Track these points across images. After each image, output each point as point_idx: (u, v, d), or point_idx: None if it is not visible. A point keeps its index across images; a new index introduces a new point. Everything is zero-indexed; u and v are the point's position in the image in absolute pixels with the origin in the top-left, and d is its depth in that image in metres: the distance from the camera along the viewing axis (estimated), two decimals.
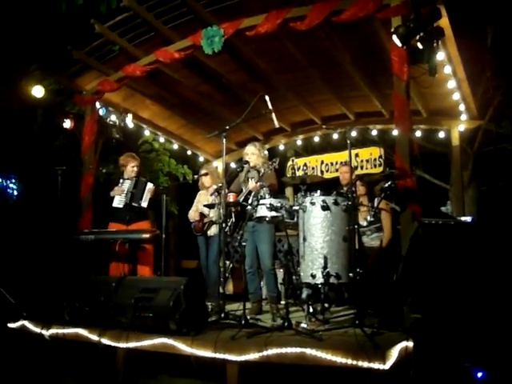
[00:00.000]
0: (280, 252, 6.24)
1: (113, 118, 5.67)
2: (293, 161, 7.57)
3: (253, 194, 4.24)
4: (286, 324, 3.36)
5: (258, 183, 4.17)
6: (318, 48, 5.12)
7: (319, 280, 3.39)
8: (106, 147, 6.70)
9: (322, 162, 7.66)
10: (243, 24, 4.50)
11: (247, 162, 4.47)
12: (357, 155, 7.22)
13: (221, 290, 3.95)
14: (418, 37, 3.54)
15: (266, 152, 4.63)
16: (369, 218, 4.63)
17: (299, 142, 7.93)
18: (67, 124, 5.73)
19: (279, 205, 3.69)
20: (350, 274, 3.42)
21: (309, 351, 2.82)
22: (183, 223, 5.95)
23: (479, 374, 2.68)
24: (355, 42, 4.96)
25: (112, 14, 5.21)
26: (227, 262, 4.42)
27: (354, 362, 2.70)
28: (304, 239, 3.55)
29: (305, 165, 7.78)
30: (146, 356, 3.38)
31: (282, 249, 6.31)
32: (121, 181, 5.00)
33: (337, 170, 7.20)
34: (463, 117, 6.29)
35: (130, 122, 5.93)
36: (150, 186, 5.02)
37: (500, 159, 8.68)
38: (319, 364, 2.78)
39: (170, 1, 4.68)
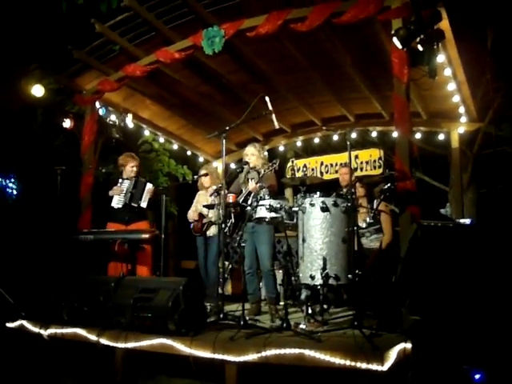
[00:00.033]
0: (279, 253, 6.24)
1: (113, 117, 5.68)
2: (292, 162, 7.57)
3: (252, 194, 4.25)
4: (284, 325, 3.36)
5: (258, 184, 4.17)
6: (318, 49, 5.13)
7: (318, 281, 3.39)
8: (106, 147, 6.69)
9: (322, 164, 7.66)
10: (244, 25, 4.50)
11: (247, 163, 4.47)
12: (356, 157, 7.23)
13: (220, 291, 3.95)
14: (418, 39, 3.55)
15: (266, 153, 4.64)
16: (368, 219, 4.64)
17: (299, 143, 7.93)
18: (67, 123, 5.73)
19: (279, 206, 3.69)
20: (349, 276, 3.42)
21: (307, 352, 2.82)
22: (183, 223, 5.96)
23: (477, 376, 2.68)
24: (356, 43, 4.97)
25: (112, 13, 5.21)
26: (226, 263, 4.42)
27: (353, 364, 2.70)
28: (303, 240, 3.55)
29: (304, 166, 7.79)
30: (144, 356, 3.38)
31: (281, 250, 6.32)
32: (120, 180, 5.00)
33: (336, 172, 7.20)
34: (463, 119, 6.31)
35: (129, 121, 5.94)
36: (149, 186, 5.02)
37: (499, 162, 8.68)
38: (318, 365, 2.79)
39: (170, 1, 4.69)
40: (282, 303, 4.55)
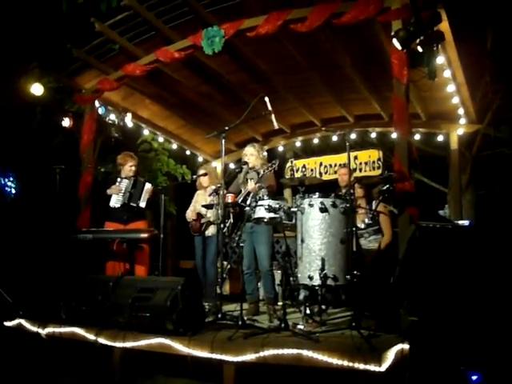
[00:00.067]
0: (278, 253, 6.24)
1: (112, 116, 5.67)
2: (292, 162, 7.54)
3: (251, 195, 4.25)
4: (282, 325, 3.36)
5: (257, 184, 4.18)
6: (318, 50, 5.13)
7: (316, 282, 3.40)
8: (105, 146, 6.69)
9: (321, 164, 7.66)
10: (244, 25, 4.50)
11: (246, 163, 4.47)
12: (356, 157, 7.23)
13: (218, 291, 3.95)
14: (418, 40, 3.55)
15: (265, 153, 4.64)
16: (367, 220, 4.65)
17: (298, 144, 7.93)
18: (66, 122, 5.72)
19: (277, 206, 3.69)
20: (348, 276, 3.42)
21: (305, 353, 2.82)
22: (181, 223, 5.96)
23: (474, 377, 2.68)
24: (355, 44, 4.98)
25: (112, 12, 5.21)
26: (225, 263, 4.42)
27: (351, 364, 2.71)
28: (302, 241, 3.55)
29: (303, 166, 7.79)
30: (142, 356, 3.38)
31: (279, 250, 6.32)
32: (118, 180, 4.99)
33: (335, 172, 7.20)
34: (462, 121, 6.32)
35: (129, 121, 5.93)
36: (148, 186, 5.02)
37: (498, 163, 8.70)
38: (315, 365, 2.79)
39: (170, 0, 4.68)
40: (280, 303, 4.54)
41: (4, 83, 7.08)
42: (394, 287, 3.32)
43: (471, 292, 2.91)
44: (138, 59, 5.20)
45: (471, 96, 5.77)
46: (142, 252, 4.77)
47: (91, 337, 3.48)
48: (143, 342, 3.30)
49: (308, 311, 3.59)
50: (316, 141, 7.72)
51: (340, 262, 3.45)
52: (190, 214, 5.20)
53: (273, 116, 4.14)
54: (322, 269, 3.36)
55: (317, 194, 3.62)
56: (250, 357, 2.93)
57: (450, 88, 5.35)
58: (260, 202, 3.75)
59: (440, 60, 4.48)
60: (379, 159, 7.12)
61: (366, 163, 7.22)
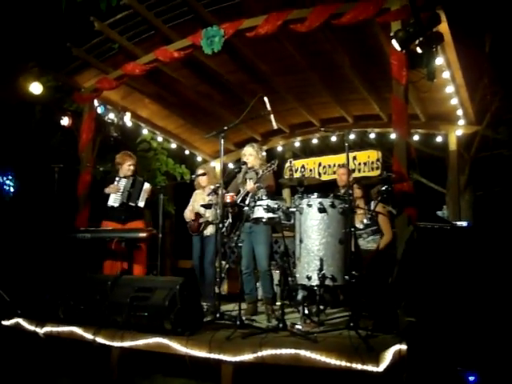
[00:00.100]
0: (276, 253, 6.24)
1: (111, 116, 5.66)
2: (290, 162, 7.56)
3: (250, 195, 4.25)
4: (281, 325, 3.36)
5: (256, 184, 4.18)
6: (317, 50, 5.14)
7: (315, 282, 3.40)
8: (104, 145, 6.68)
9: (320, 164, 7.67)
10: (243, 25, 4.51)
11: (245, 163, 4.47)
12: (355, 158, 7.24)
13: (216, 291, 3.95)
14: (417, 41, 3.56)
15: (264, 153, 4.64)
16: (365, 220, 4.65)
17: (297, 144, 7.94)
18: (65, 121, 5.72)
19: (276, 206, 3.70)
20: (346, 277, 3.43)
21: (303, 353, 2.82)
22: (180, 223, 5.95)
23: (471, 378, 2.69)
24: (355, 45, 4.98)
25: (112, 11, 5.20)
26: (223, 263, 4.42)
27: (348, 364, 2.71)
28: (300, 241, 3.56)
29: (302, 167, 7.79)
30: (140, 355, 3.38)
31: (278, 250, 6.32)
32: (117, 179, 4.99)
33: (334, 173, 7.20)
34: (461, 122, 6.33)
35: (128, 120, 5.93)
36: (147, 185, 5.02)
37: (496, 165, 8.73)
38: (313, 365, 2.79)
39: (170, 0, 4.69)
40: (278, 303, 4.55)
41: (3, 82, 7.07)
42: (391, 288, 3.33)
43: (469, 293, 2.92)
44: (137, 58, 5.20)
45: (470, 97, 5.78)
46: (139, 251, 4.77)
47: (89, 336, 3.48)
48: (141, 342, 3.29)
49: (306, 311, 3.59)
50: (315, 141, 7.73)
51: (338, 262, 3.45)
52: (188, 214, 5.19)
53: (272, 116, 4.14)
54: (321, 269, 3.37)
55: (315, 194, 3.62)
56: (248, 357, 2.93)
57: (449, 89, 5.36)
58: (259, 202, 3.75)
59: (439, 61, 4.48)
60: (378, 160, 7.13)
61: (364, 164, 7.23)
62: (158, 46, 5.02)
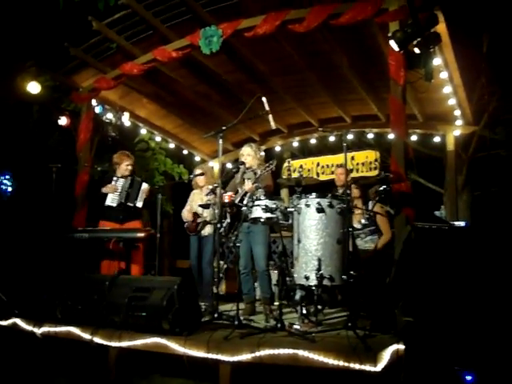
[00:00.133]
0: (274, 253, 6.24)
1: (109, 115, 5.65)
2: (289, 162, 7.59)
3: (248, 195, 4.25)
4: (279, 325, 3.36)
5: (254, 184, 4.18)
6: (315, 50, 5.15)
7: (313, 282, 3.40)
8: (102, 145, 6.67)
9: (318, 164, 7.68)
10: (242, 25, 4.51)
11: (243, 163, 4.47)
12: (353, 158, 7.25)
13: (214, 291, 3.95)
14: (415, 42, 3.57)
15: (263, 153, 4.63)
16: (363, 220, 4.66)
17: (295, 144, 7.95)
18: (63, 121, 5.70)
19: (274, 206, 3.70)
20: (344, 277, 3.43)
21: (301, 352, 2.83)
22: (178, 223, 5.95)
23: (468, 377, 2.70)
24: (353, 45, 4.99)
25: (110, 11, 5.20)
26: (221, 263, 4.42)
27: (346, 364, 2.71)
28: (298, 241, 3.56)
29: (301, 167, 7.79)
30: (138, 355, 3.37)
31: (276, 250, 6.32)
32: (114, 178, 4.98)
33: (332, 173, 7.22)
34: (458, 122, 6.34)
35: (126, 120, 5.91)
36: (145, 186, 5.01)
37: (494, 165, 8.76)
38: (311, 365, 2.79)
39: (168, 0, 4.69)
40: (276, 303, 4.55)
41: (1, 81, 7.05)
42: (389, 288, 3.33)
43: (466, 293, 2.93)
44: (135, 58, 5.19)
45: (468, 98, 5.80)
46: (137, 251, 4.77)
47: (87, 336, 3.47)
48: (139, 342, 3.29)
49: (304, 311, 3.60)
50: (313, 141, 7.73)
51: (336, 262, 3.45)
52: (186, 214, 5.19)
53: (270, 116, 4.14)
54: (319, 269, 3.37)
55: (313, 194, 3.62)
56: (246, 357, 2.93)
57: (447, 89, 5.37)
58: (257, 202, 3.75)
59: (437, 61, 4.49)
60: (376, 160, 7.14)
61: (363, 164, 7.24)
62: (156, 46, 5.01)
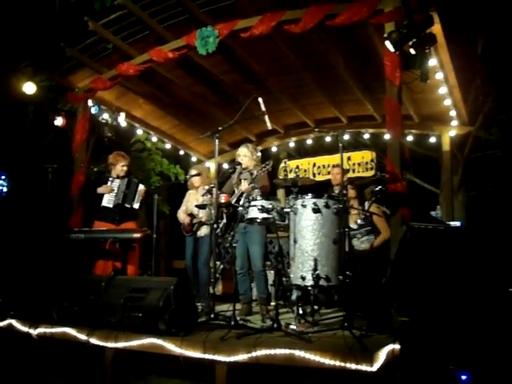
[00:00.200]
0: (271, 254, 6.25)
1: (105, 116, 5.64)
2: (285, 163, 7.55)
3: (244, 195, 4.25)
4: (275, 325, 3.37)
5: (251, 185, 4.18)
6: (312, 51, 5.16)
7: (309, 282, 3.41)
8: (98, 145, 6.66)
9: (314, 165, 7.69)
10: (238, 25, 4.51)
11: (239, 164, 4.47)
12: (349, 158, 7.26)
13: (211, 291, 3.94)
14: (410, 43, 3.58)
15: (259, 154, 4.65)
16: (359, 221, 4.67)
17: (292, 144, 7.95)
18: (59, 121, 5.69)
19: (270, 207, 3.70)
20: (340, 277, 3.44)
21: (297, 353, 2.83)
22: (174, 223, 5.95)
23: (464, 377, 2.72)
24: (349, 46, 5.00)
25: (106, 11, 5.19)
26: (218, 263, 4.42)
27: (342, 364, 2.72)
28: (295, 241, 3.56)
29: (297, 167, 7.78)
30: (134, 356, 3.37)
31: (272, 250, 6.33)
32: (110, 179, 4.97)
33: (329, 173, 7.23)
34: (454, 123, 6.37)
35: (122, 120, 5.91)
36: (141, 187, 5.01)
37: (489, 165, 8.80)
38: (308, 365, 2.80)
39: (164, 0, 4.68)
40: (272, 304, 4.56)
41: None
42: (385, 288, 3.35)
43: (462, 293, 2.95)
44: (131, 59, 5.18)
45: (463, 98, 5.83)
46: (132, 252, 4.76)
47: (83, 337, 3.46)
48: (135, 343, 3.29)
49: (300, 311, 3.60)
50: (309, 141, 7.75)
51: (332, 262, 3.46)
52: (181, 215, 5.18)
53: (266, 117, 4.15)
54: (315, 269, 3.38)
55: (310, 194, 3.63)
56: (242, 357, 2.93)
57: (442, 90, 5.39)
58: (253, 203, 3.75)
59: (432, 62, 4.51)
60: (372, 160, 7.16)
61: (359, 164, 7.26)
62: (152, 47, 5.00)
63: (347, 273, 3.45)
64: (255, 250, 4.31)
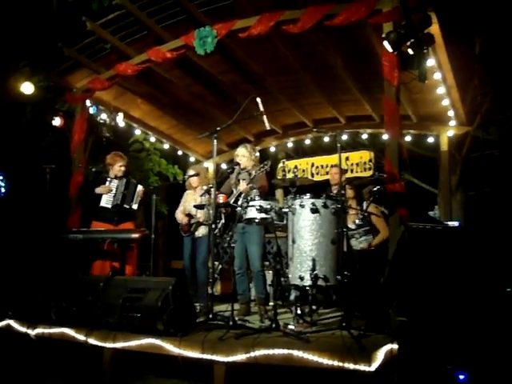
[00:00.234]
0: (269, 254, 6.25)
1: (103, 116, 5.63)
2: (283, 163, 7.60)
3: (243, 195, 4.25)
4: (273, 325, 3.36)
5: (249, 185, 4.18)
6: (310, 51, 5.16)
7: (307, 282, 3.41)
8: (96, 146, 6.65)
9: (313, 165, 7.69)
10: (236, 25, 4.51)
11: (238, 164, 4.47)
12: (347, 158, 7.27)
13: (209, 291, 3.94)
14: (408, 43, 3.59)
15: (258, 154, 4.64)
16: (357, 221, 4.68)
17: (290, 144, 7.96)
18: (57, 122, 5.67)
19: (269, 207, 3.70)
20: (338, 277, 3.44)
21: (296, 353, 2.83)
22: (173, 223, 5.94)
23: (461, 376, 2.72)
24: (347, 46, 5.01)
25: (104, 11, 5.19)
26: (216, 263, 4.42)
27: (341, 364, 2.72)
28: (293, 241, 3.57)
29: (295, 167, 7.75)
30: (133, 356, 3.37)
31: (271, 251, 6.32)
32: (108, 179, 4.97)
33: (327, 173, 7.23)
34: (452, 123, 6.38)
35: (120, 120, 5.90)
36: (140, 188, 5.01)
37: (487, 165, 8.83)
38: (306, 365, 2.80)
39: (162, 0, 4.68)
40: (271, 304, 4.56)
41: None
42: (383, 288, 3.35)
43: (460, 293, 2.95)
44: (129, 59, 5.18)
45: (461, 98, 5.83)
46: (130, 252, 4.76)
47: (81, 337, 3.46)
48: (134, 343, 3.28)
49: (299, 311, 3.60)
50: (308, 141, 7.75)
51: (331, 262, 3.46)
52: (179, 216, 5.17)
53: (264, 117, 4.14)
54: (313, 269, 3.38)
55: (308, 194, 3.63)
56: (240, 357, 2.93)
57: (440, 90, 5.40)
58: (251, 203, 3.75)
59: (430, 62, 4.52)
60: (370, 160, 7.17)
61: (357, 164, 7.26)
62: (150, 47, 5.00)
63: (345, 273, 3.45)
64: (254, 250, 4.31)
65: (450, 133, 6.60)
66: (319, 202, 3.53)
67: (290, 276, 3.60)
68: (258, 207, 3.68)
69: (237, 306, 4.26)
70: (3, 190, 9.57)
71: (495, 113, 8.22)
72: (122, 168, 5.02)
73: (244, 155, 4.49)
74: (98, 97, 5.82)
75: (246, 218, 3.81)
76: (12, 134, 8.03)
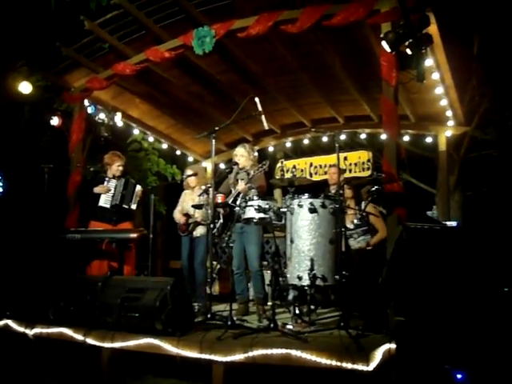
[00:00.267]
0: (267, 253, 6.25)
1: (101, 116, 5.62)
2: (282, 163, 7.61)
3: (241, 195, 4.25)
4: (272, 325, 3.37)
5: (247, 185, 4.18)
6: (308, 51, 5.16)
7: (305, 282, 3.41)
8: (95, 145, 6.64)
9: (311, 165, 7.69)
10: (234, 25, 4.51)
11: (236, 164, 4.47)
12: (346, 158, 7.27)
13: (207, 291, 3.94)
14: (407, 43, 3.60)
15: (256, 154, 4.64)
16: (356, 221, 4.68)
17: (288, 144, 7.96)
18: (55, 121, 5.66)
19: (267, 207, 3.70)
20: (336, 277, 3.45)
21: (294, 352, 2.84)
22: (171, 223, 5.94)
23: (459, 376, 2.73)
24: (346, 46, 5.01)
25: (102, 11, 5.18)
26: (214, 263, 4.42)
27: (339, 364, 2.73)
28: (291, 241, 3.57)
29: (294, 167, 7.81)
30: (131, 356, 3.37)
31: (269, 250, 6.33)
32: (106, 179, 4.96)
33: (325, 173, 7.24)
34: (450, 123, 6.39)
35: (118, 120, 5.89)
36: (138, 188, 5.01)
37: (485, 165, 8.85)
38: (304, 365, 2.80)
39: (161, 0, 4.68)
40: (269, 303, 4.56)
41: None
42: (381, 287, 3.35)
43: (458, 292, 2.96)
44: (127, 58, 5.17)
45: (459, 98, 5.84)
46: (128, 252, 4.76)
47: (79, 337, 3.46)
48: (132, 343, 3.28)
49: (297, 311, 3.61)
50: (306, 141, 7.75)
51: (329, 262, 3.47)
52: (177, 215, 5.17)
53: (263, 116, 4.15)
54: (311, 269, 3.38)
55: (306, 194, 3.63)
56: (239, 357, 2.94)
57: (439, 90, 5.41)
58: (250, 203, 3.75)
59: (428, 62, 4.52)
60: (369, 160, 7.18)
61: (355, 164, 7.27)
62: (148, 46, 5.00)
63: (343, 273, 3.45)
64: (252, 249, 4.31)
65: (448, 133, 6.61)
66: (317, 202, 3.54)
67: (288, 276, 3.60)
68: (257, 207, 3.68)
69: (235, 306, 4.26)
70: (1, 189, 9.55)
71: (493, 113, 8.24)
72: (120, 168, 5.01)
73: (242, 155, 4.49)
74: (96, 96, 5.81)
75: (244, 217, 3.81)
76: (10, 134, 8.01)
